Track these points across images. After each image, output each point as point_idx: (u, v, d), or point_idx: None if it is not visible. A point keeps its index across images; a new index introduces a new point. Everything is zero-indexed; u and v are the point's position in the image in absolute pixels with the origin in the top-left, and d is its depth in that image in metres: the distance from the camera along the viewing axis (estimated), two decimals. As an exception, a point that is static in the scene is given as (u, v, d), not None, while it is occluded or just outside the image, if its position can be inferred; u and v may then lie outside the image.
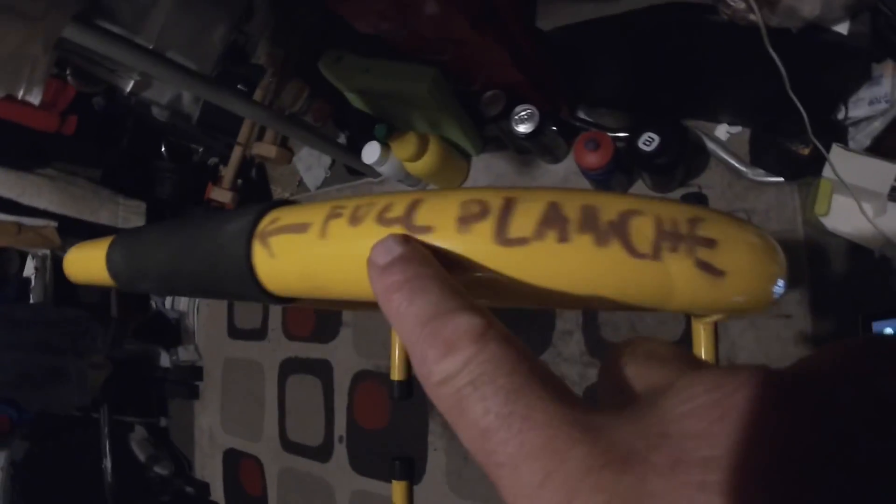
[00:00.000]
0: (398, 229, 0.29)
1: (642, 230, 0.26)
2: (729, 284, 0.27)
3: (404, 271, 0.21)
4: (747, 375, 0.14)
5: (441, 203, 0.30)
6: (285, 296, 0.38)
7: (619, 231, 0.26)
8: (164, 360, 1.94)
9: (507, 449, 0.15)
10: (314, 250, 0.33)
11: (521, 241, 0.26)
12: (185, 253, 0.43)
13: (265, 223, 0.36)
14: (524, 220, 0.26)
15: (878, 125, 1.00)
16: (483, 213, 0.28)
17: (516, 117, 1.11)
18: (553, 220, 0.26)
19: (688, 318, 1.08)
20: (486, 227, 0.27)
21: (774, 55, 0.83)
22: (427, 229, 0.28)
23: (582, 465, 0.14)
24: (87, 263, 0.50)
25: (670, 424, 0.14)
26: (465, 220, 0.28)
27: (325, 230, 0.32)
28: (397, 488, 1.34)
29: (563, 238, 0.26)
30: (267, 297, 0.38)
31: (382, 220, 0.30)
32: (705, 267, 0.26)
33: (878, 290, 0.99)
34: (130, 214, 1.63)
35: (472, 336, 0.17)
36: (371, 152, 1.23)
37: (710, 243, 0.26)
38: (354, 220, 0.31)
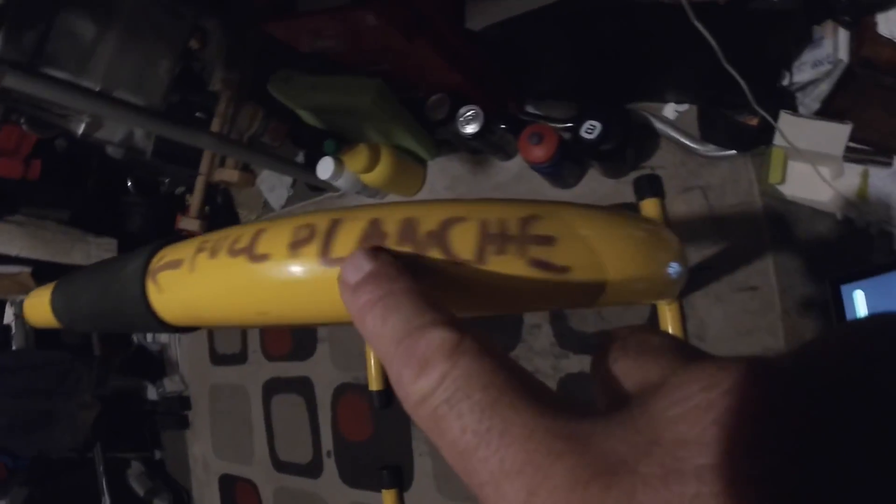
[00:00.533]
0: (244, 259, 0.30)
1: (464, 237, 0.26)
2: (574, 279, 0.27)
3: (375, 289, 0.20)
4: (744, 371, 0.13)
5: (277, 230, 0.30)
6: (182, 325, 0.40)
7: (438, 240, 0.26)
8: (152, 392, 1.95)
9: (488, 467, 0.14)
10: (187, 284, 0.34)
11: (343, 260, 0.27)
12: (100, 294, 0.45)
13: (154, 261, 0.38)
14: (346, 239, 0.27)
15: (824, 87, 0.99)
16: (311, 236, 0.28)
17: (462, 119, 1.11)
18: (372, 237, 0.27)
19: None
20: (312, 250, 0.28)
21: (702, 29, 0.84)
22: (265, 257, 0.29)
23: (566, 480, 0.13)
24: (38, 308, 0.52)
25: (662, 429, 0.13)
26: (296, 245, 0.28)
27: (194, 264, 0.33)
28: (388, 497, 1.35)
29: None
30: (167, 329, 0.40)
31: (232, 251, 0.31)
32: (541, 265, 0.26)
33: (843, 253, 0.99)
34: (102, 252, 1.64)
35: (444, 351, 0.17)
36: (325, 168, 1.23)
37: (546, 241, 0.26)
38: (213, 253, 0.32)
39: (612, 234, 0.29)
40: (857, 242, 0.99)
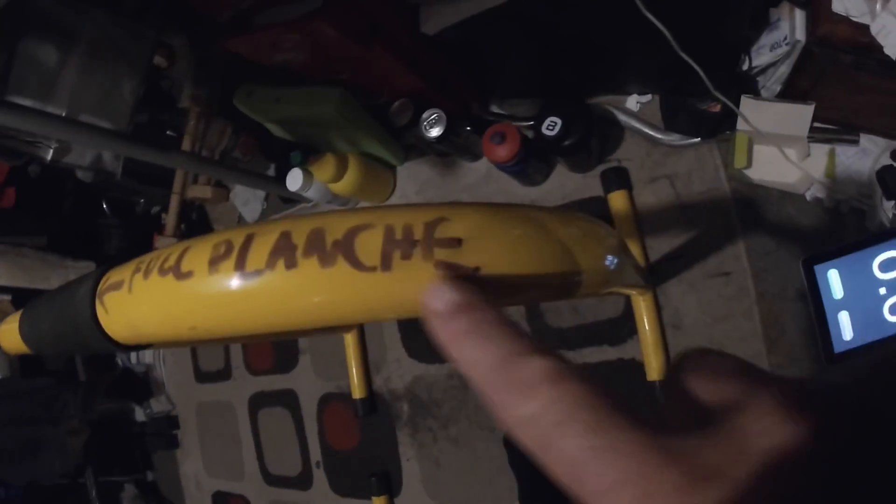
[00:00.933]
0: (171, 277, 0.30)
1: (369, 244, 0.26)
2: (487, 278, 0.27)
3: (467, 319, 0.21)
4: (800, 396, 0.17)
5: (199, 248, 0.31)
6: (130, 343, 0.41)
7: (344, 249, 0.26)
8: (139, 414, 1.94)
9: (602, 480, 0.16)
10: (127, 304, 0.35)
11: (257, 273, 0.27)
12: (57, 318, 0.46)
13: (101, 284, 0.39)
14: (259, 252, 0.27)
15: (784, 69, 0.99)
16: (228, 251, 0.29)
17: (425, 123, 1.11)
18: (282, 249, 0.27)
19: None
20: (229, 265, 0.28)
21: (654, 19, 0.84)
22: (189, 274, 0.30)
23: (674, 486, 0.16)
24: (10, 335, 0.53)
25: (748, 442, 0.16)
26: (214, 261, 0.29)
27: (131, 285, 0.34)
28: (379, 504, 1.35)
29: (290, 264, 0.27)
30: (119, 347, 0.41)
31: (162, 270, 0.31)
32: (449, 267, 0.26)
33: (814, 233, 0.99)
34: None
35: (548, 377, 0.18)
36: (294, 180, 1.23)
37: (453, 243, 0.26)
38: (147, 273, 0.33)
39: (529, 231, 0.29)
40: (827, 222, 0.99)
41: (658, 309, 1.08)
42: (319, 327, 0.32)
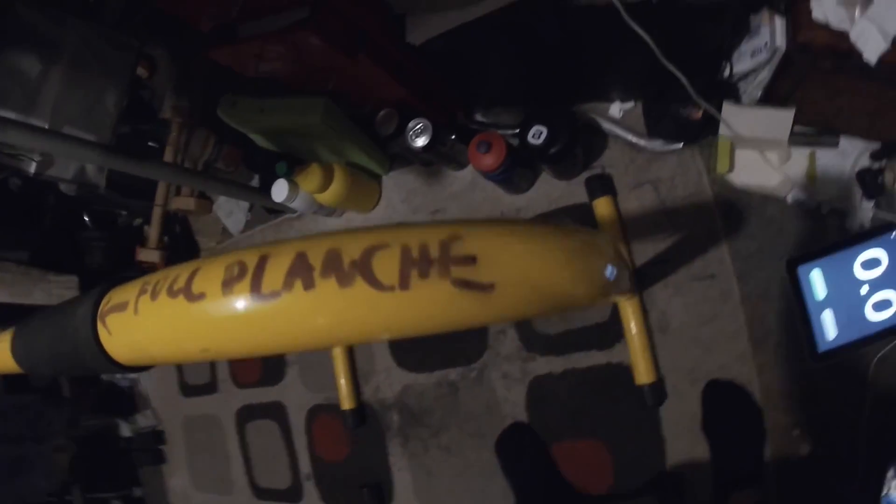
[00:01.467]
0: (182, 299, 0.30)
1: (386, 263, 0.26)
2: (502, 294, 0.28)
3: None
4: None
5: (210, 269, 0.31)
6: (134, 365, 0.40)
7: (362, 269, 0.26)
8: (125, 429, 1.91)
9: None
10: (133, 326, 0.34)
11: (274, 295, 0.27)
12: (54, 338, 0.45)
13: (103, 304, 0.38)
14: (275, 274, 0.27)
15: (765, 75, 1.01)
16: (241, 273, 0.29)
17: (411, 132, 1.11)
18: (299, 270, 0.27)
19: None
20: (244, 286, 0.28)
21: (636, 27, 0.84)
22: (201, 296, 0.30)
23: None
24: (1, 356, 0.52)
25: None
26: (228, 283, 0.29)
27: (137, 307, 0.34)
28: (371, 516, 1.34)
29: (308, 285, 0.27)
30: (122, 369, 0.40)
31: (171, 292, 0.31)
32: (466, 284, 0.26)
33: (796, 235, 1.01)
34: (63, 290, 1.61)
35: None
36: (279, 191, 1.23)
37: (468, 260, 0.27)
38: (154, 294, 0.33)
39: (538, 247, 0.29)
40: (809, 223, 1.00)
41: (644, 313, 1.08)
42: (338, 345, 0.32)
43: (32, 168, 1.31)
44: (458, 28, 0.92)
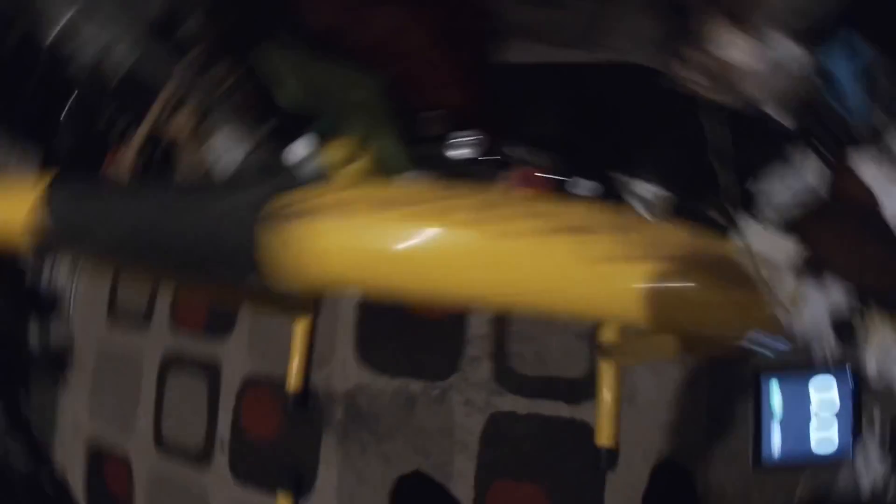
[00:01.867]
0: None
1: None
2: None
3: None
4: None
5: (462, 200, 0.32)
6: (301, 286, 0.38)
7: None
8: (34, 335, 1.70)
9: None
10: (336, 236, 0.33)
11: None
12: (164, 219, 0.40)
13: (276, 207, 0.35)
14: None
15: (785, 199, 1.07)
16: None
17: (457, 142, 1.10)
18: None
19: (593, 356, 1.12)
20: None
21: (709, 124, 0.88)
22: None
23: None
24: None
25: None
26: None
27: (346, 218, 0.32)
28: (282, 501, 1.29)
29: None
30: (267, 283, 0.37)
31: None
32: None
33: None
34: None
35: None
36: (303, 146, 1.17)
37: None
38: (373, 208, 0.32)
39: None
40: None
41: (618, 381, 1.12)
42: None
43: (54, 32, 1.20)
44: (537, 64, 0.94)
